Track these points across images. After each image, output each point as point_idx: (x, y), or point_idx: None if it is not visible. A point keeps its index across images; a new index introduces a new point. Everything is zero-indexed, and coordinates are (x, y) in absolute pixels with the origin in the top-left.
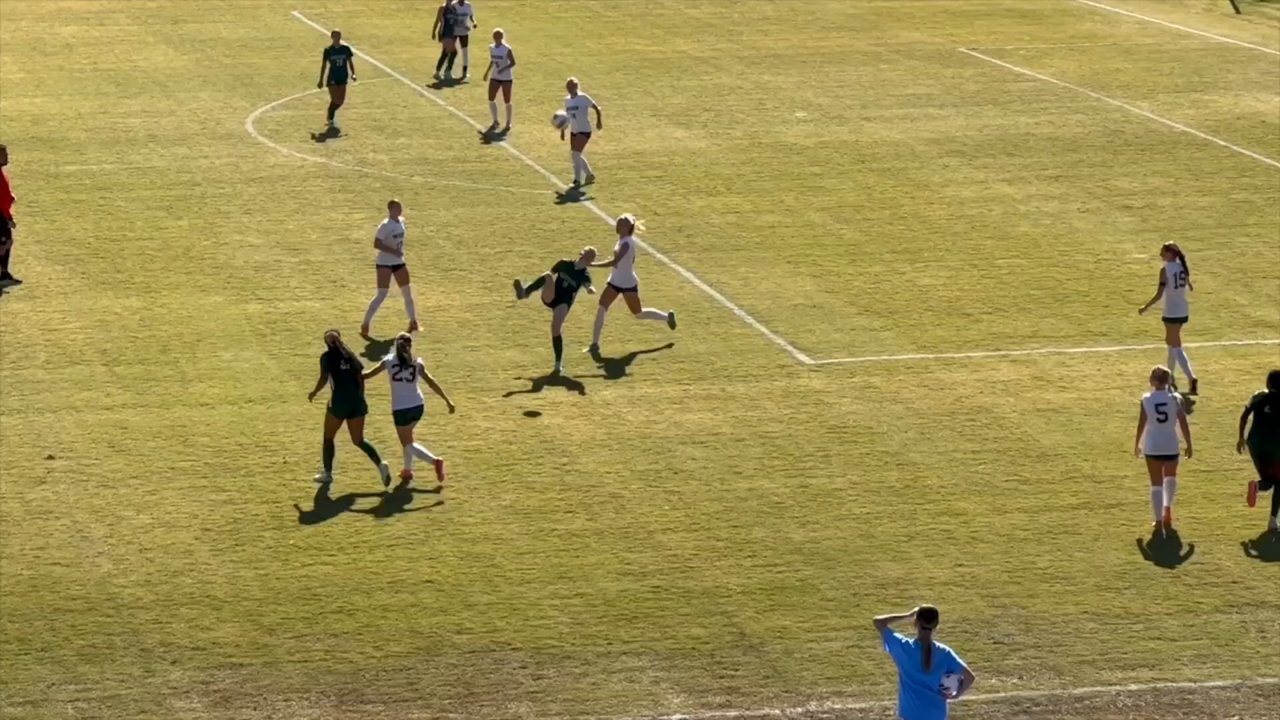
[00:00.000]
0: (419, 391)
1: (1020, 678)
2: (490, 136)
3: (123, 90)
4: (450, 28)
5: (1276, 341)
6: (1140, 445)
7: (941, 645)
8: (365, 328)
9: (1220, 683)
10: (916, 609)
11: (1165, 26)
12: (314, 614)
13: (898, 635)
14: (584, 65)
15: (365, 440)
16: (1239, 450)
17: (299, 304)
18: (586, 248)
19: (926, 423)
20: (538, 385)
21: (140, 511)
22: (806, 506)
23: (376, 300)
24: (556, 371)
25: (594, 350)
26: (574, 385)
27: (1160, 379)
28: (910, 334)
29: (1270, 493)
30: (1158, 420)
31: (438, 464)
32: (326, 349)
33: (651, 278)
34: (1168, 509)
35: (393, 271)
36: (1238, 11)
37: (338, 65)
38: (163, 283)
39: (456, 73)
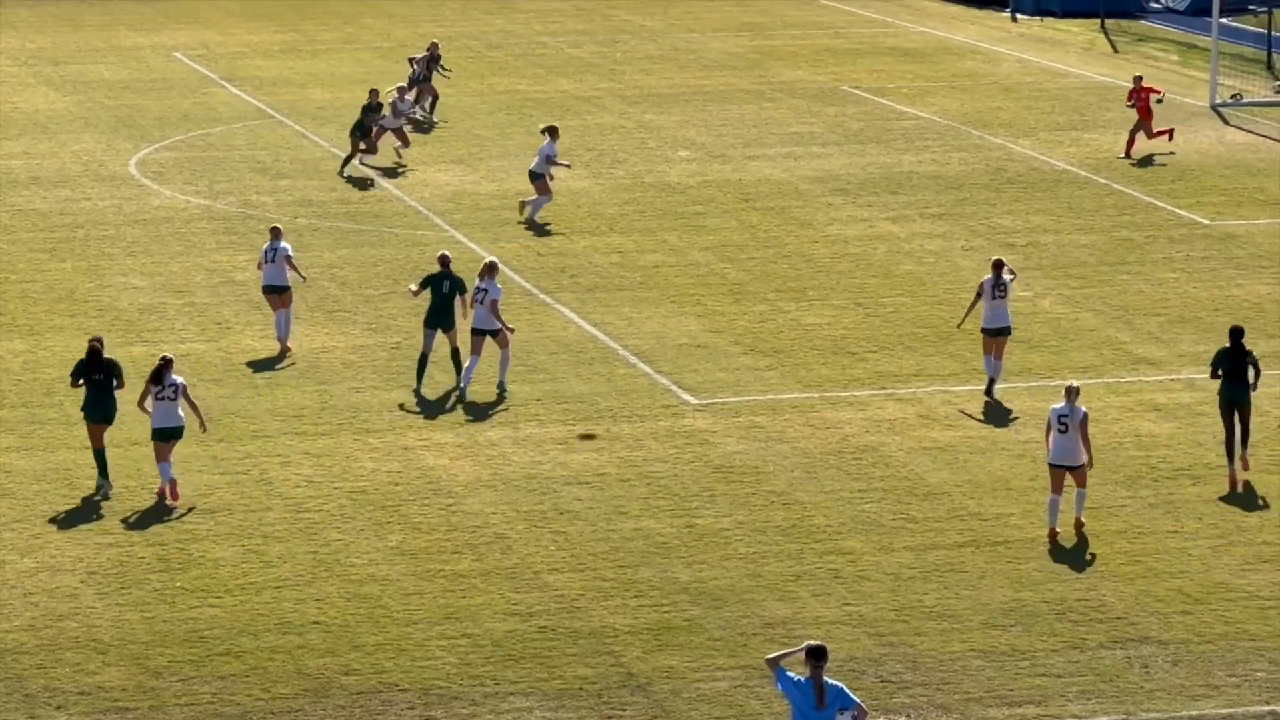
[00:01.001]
0: (180, 412)
1: (908, 716)
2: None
3: (3, 132)
4: (430, 72)
5: (1159, 378)
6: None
7: (834, 682)
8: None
9: (1105, 719)
10: (805, 646)
11: (1045, 65)
12: (201, 657)
13: (790, 674)
14: (467, 105)
15: (103, 448)
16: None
17: (184, 346)
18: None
19: (812, 462)
20: (423, 426)
21: (24, 556)
22: (693, 546)
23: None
24: (416, 390)
25: (463, 393)
26: (459, 426)
27: (1070, 392)
28: (795, 373)
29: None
30: (1059, 431)
31: (171, 483)
32: (85, 356)
33: (535, 318)
34: (1078, 520)
35: (278, 294)
36: (1116, 51)
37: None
38: (46, 325)
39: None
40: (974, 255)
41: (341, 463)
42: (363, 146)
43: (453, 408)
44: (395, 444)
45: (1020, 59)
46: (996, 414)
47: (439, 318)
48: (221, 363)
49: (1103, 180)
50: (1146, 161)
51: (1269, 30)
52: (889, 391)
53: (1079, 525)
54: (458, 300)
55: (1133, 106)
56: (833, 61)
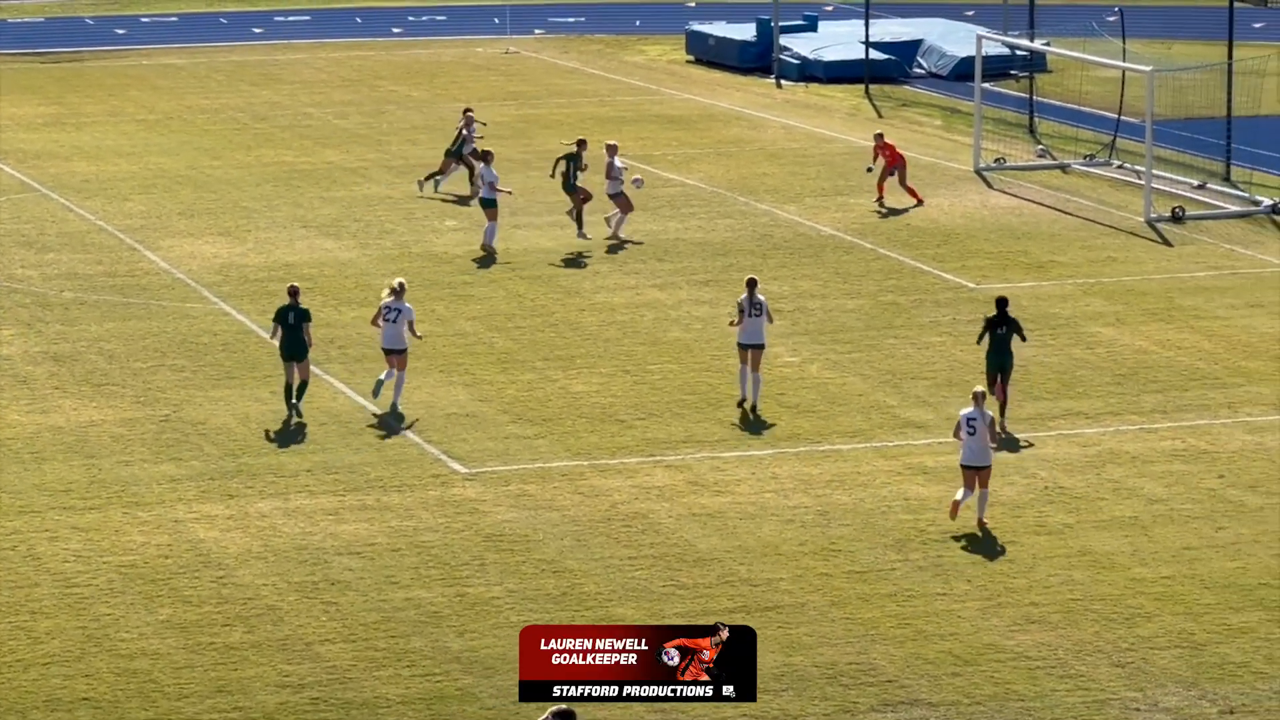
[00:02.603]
0: None
1: None
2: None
3: None
4: (463, 145)
5: (927, 441)
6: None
7: None
8: None
9: None
10: (551, 711)
11: (810, 131)
12: None
13: None
14: (233, 178)
15: None
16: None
17: None
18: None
19: (582, 529)
20: (193, 498)
21: None
22: (464, 615)
23: None
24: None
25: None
26: (229, 496)
27: (977, 398)
28: (564, 441)
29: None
30: (968, 433)
31: None
32: None
33: (310, 389)
34: (980, 519)
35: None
36: (880, 116)
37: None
38: None
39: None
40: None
41: (110, 536)
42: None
43: (221, 479)
44: (165, 517)
45: (785, 125)
46: (765, 480)
47: (290, 349)
48: None
49: (869, 245)
50: (911, 226)
51: (1030, 95)
52: (657, 458)
53: (981, 524)
54: (305, 330)
55: (871, 171)
56: (598, 129)
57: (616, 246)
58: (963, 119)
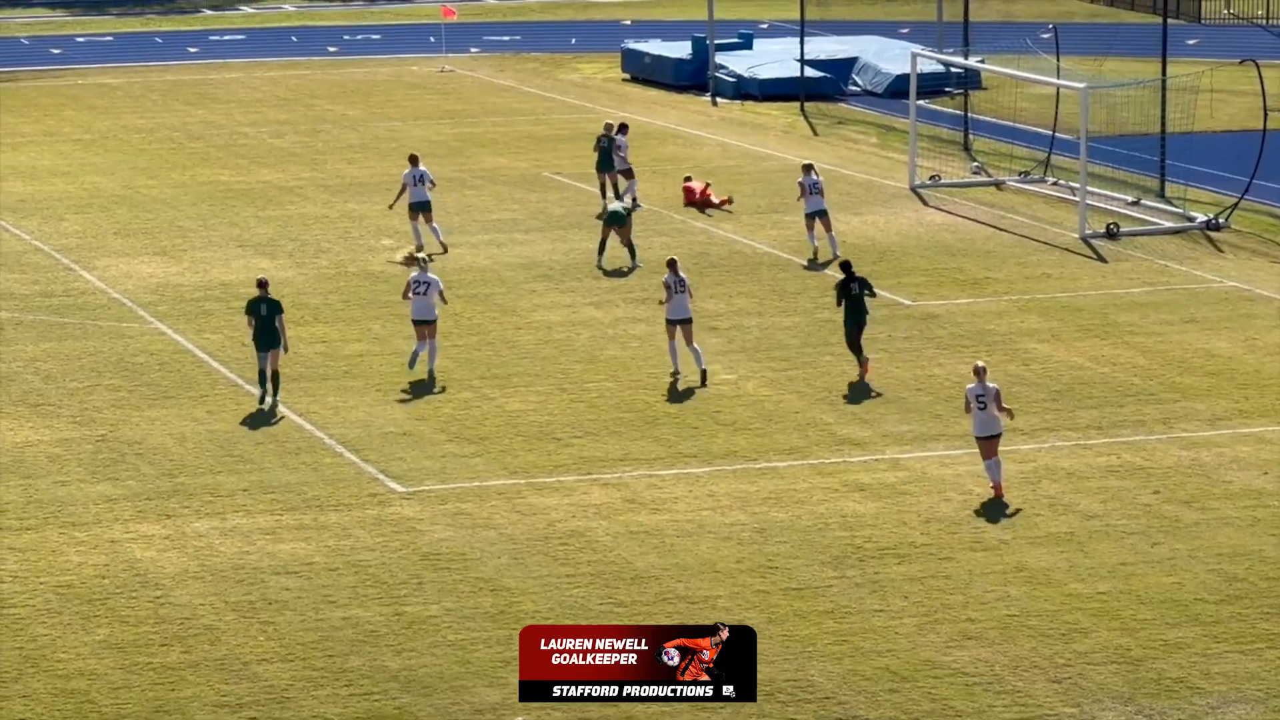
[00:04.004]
0: None
1: None
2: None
3: None
4: (608, 160)
5: (863, 458)
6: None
7: None
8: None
9: None
10: None
11: (746, 149)
12: None
13: None
14: (169, 197)
15: None
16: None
17: None
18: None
19: (519, 548)
20: (130, 518)
21: None
22: (402, 634)
23: None
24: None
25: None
26: (166, 516)
27: (978, 372)
28: (501, 459)
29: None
30: (978, 408)
31: None
32: None
33: (241, 408)
34: (996, 484)
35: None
36: (815, 134)
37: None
38: None
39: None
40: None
41: (47, 557)
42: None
43: (158, 498)
44: (101, 537)
45: (721, 142)
46: (703, 498)
47: (264, 340)
48: None
49: (804, 262)
50: (846, 244)
51: (965, 111)
52: (594, 476)
53: (998, 490)
54: (277, 320)
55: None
56: (534, 148)
57: (550, 268)
58: (898, 136)
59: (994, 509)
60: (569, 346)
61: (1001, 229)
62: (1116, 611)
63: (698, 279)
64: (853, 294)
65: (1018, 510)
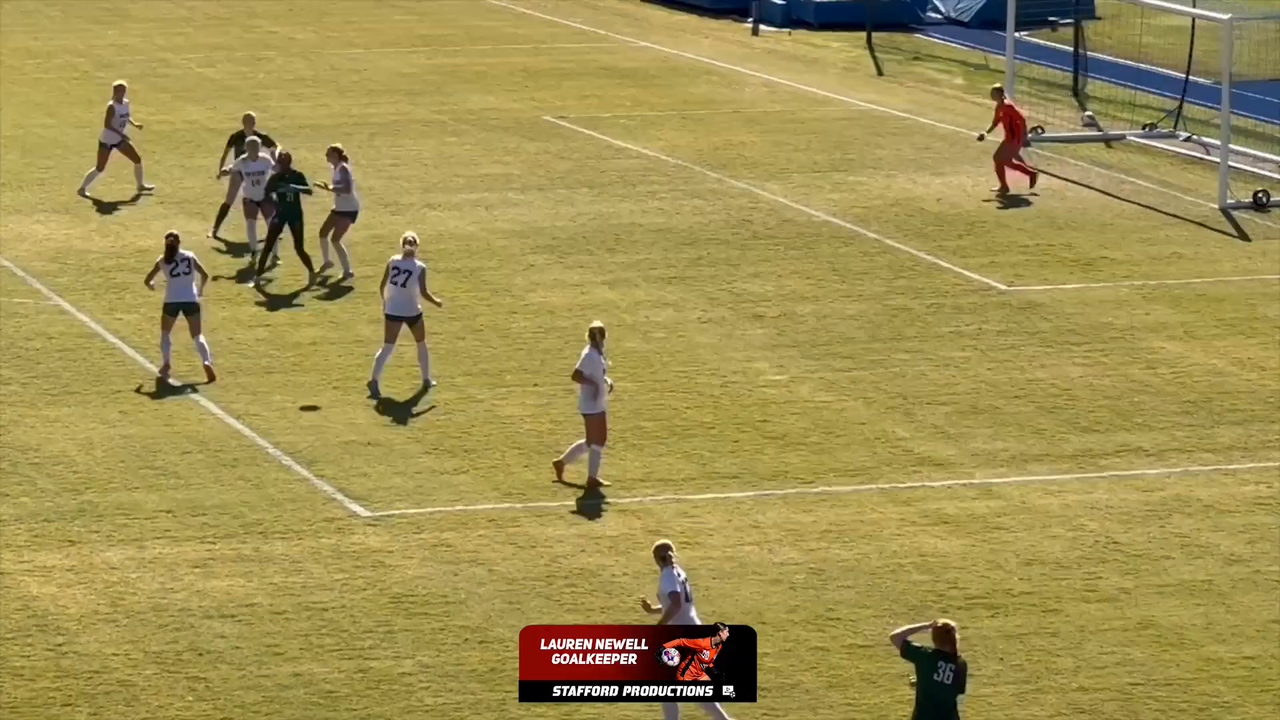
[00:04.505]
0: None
1: None
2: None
3: None
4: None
5: (947, 482)
6: None
7: None
8: None
9: None
10: None
11: (798, 89)
12: None
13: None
14: (72, 140)
15: None
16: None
17: None
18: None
19: (515, 589)
20: (23, 544)
21: None
22: (367, 696)
23: None
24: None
25: None
26: (69, 542)
27: None
28: (491, 477)
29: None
30: None
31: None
32: None
33: (163, 409)
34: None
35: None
36: (881, 73)
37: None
38: None
39: None
40: (713, 328)
41: None
42: None
43: (59, 520)
44: None
45: (768, 81)
46: (745, 530)
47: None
48: None
49: (873, 235)
50: (926, 212)
51: (1076, 47)
52: (609, 501)
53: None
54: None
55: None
56: (532, 85)
57: (553, 237)
58: (989, 77)
59: (1112, 549)
60: (577, 336)
61: (1120, 197)
62: (1267, 681)
63: (739, 253)
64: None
65: (1142, 552)
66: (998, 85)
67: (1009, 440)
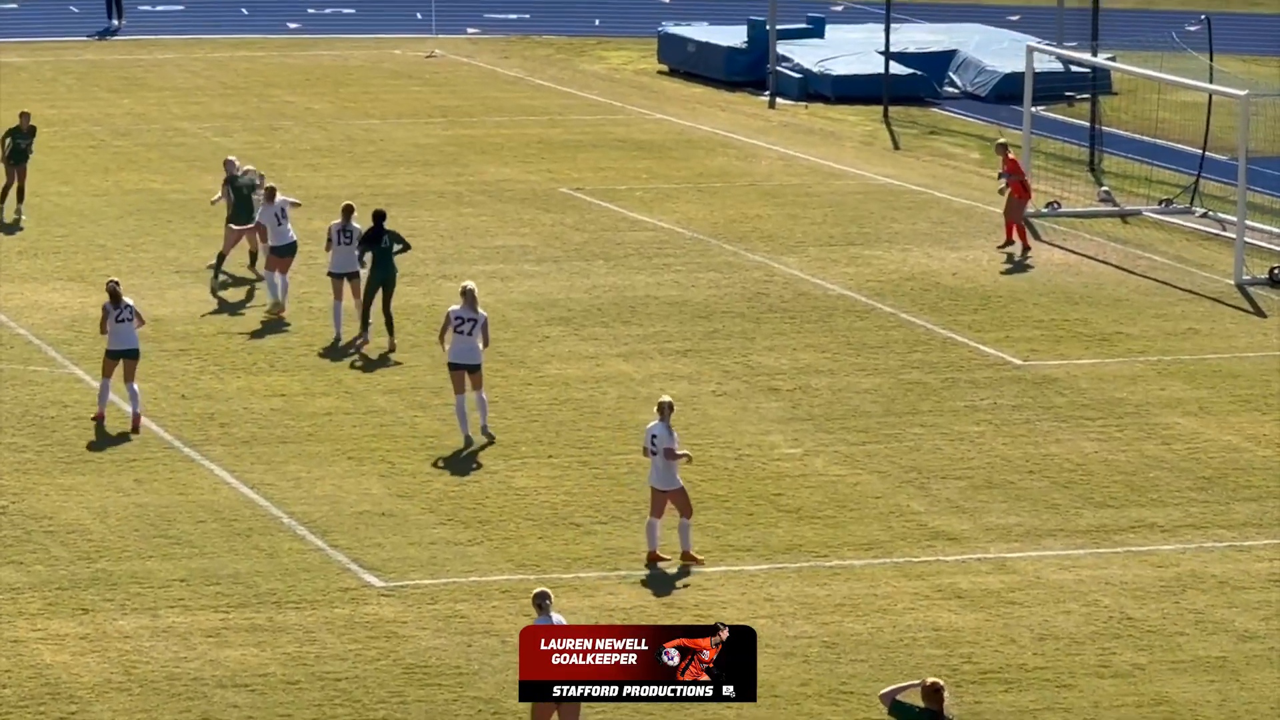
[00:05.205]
0: None
1: None
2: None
3: None
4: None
5: (961, 557)
6: None
7: None
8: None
9: None
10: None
11: (814, 163)
12: None
13: None
14: (87, 208)
15: None
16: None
17: None
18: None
19: None
20: (37, 613)
21: None
22: None
23: None
24: None
25: None
26: (82, 610)
27: (663, 410)
28: (505, 549)
29: None
30: (652, 452)
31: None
32: None
33: (177, 477)
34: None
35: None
36: (897, 146)
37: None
38: None
39: None
40: (728, 401)
41: None
42: None
43: (73, 589)
44: (3, 636)
45: (784, 155)
46: (759, 603)
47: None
48: None
49: (888, 309)
50: (941, 286)
51: (1093, 123)
52: (623, 572)
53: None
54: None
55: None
56: (548, 157)
57: (568, 309)
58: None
59: (1127, 625)
60: (592, 408)
61: (1136, 272)
62: None
63: (754, 326)
64: (381, 250)
65: (1156, 628)
66: (1001, 140)
67: (1023, 515)
